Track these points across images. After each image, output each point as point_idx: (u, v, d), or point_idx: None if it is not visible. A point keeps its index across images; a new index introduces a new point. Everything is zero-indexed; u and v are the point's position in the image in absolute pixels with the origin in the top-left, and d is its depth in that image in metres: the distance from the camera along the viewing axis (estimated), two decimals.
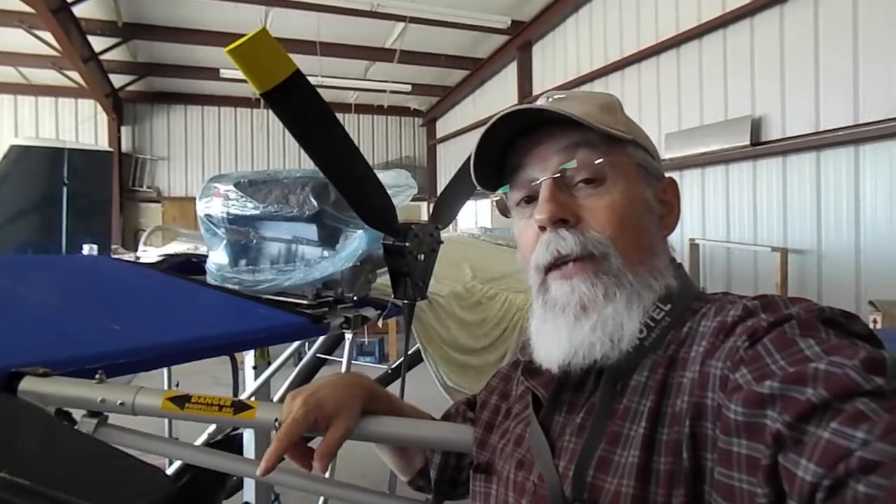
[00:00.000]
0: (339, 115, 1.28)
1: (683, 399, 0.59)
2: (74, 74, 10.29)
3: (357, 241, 1.66)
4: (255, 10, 9.03)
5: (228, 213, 1.79)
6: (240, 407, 0.84)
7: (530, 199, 0.73)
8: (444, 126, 14.82)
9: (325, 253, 1.72)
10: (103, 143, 12.02)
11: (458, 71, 12.64)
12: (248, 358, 2.37)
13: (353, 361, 1.92)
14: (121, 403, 0.86)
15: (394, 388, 1.39)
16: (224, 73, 10.73)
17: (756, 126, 6.51)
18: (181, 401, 0.85)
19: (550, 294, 0.70)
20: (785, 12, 6.25)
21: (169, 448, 0.98)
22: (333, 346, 2.82)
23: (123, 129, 12.95)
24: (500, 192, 0.78)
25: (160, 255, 2.70)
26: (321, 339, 2.44)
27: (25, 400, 0.86)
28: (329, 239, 1.72)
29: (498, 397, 0.87)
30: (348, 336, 1.81)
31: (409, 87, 12.53)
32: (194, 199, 1.99)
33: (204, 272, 1.90)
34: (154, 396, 0.86)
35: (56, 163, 5.96)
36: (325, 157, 1.31)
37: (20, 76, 11.75)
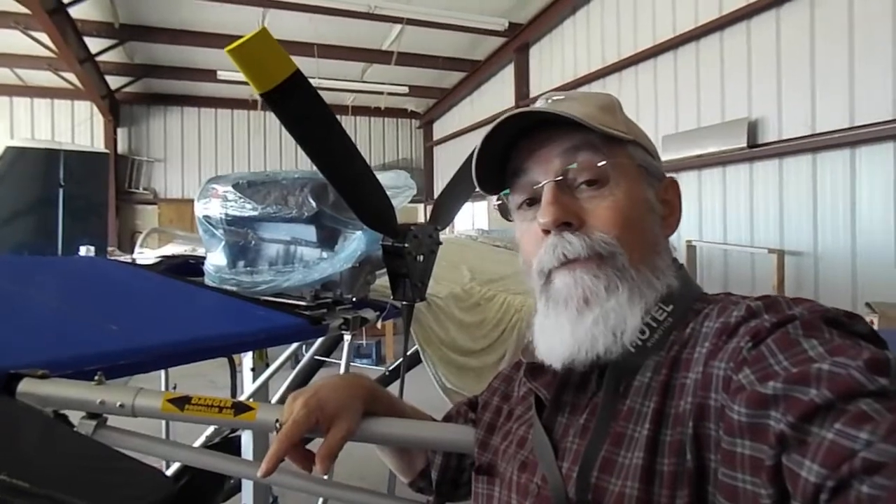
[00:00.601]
0: (336, 118, 1.27)
1: (687, 400, 0.59)
2: (70, 76, 10.25)
3: (356, 242, 1.66)
4: (252, 12, 9.01)
5: (227, 215, 1.79)
6: (240, 408, 0.84)
7: (532, 201, 0.73)
8: (441, 128, 14.83)
9: (324, 254, 1.72)
10: (99, 145, 11.98)
11: (455, 73, 12.64)
12: (247, 360, 2.37)
13: (351, 363, 1.92)
14: (120, 405, 0.85)
15: (392, 390, 1.39)
16: (221, 74, 10.70)
17: (753, 128, 6.53)
18: (181, 402, 0.85)
19: (553, 288, 0.70)
20: (781, 15, 6.28)
21: (169, 450, 0.97)
22: (331, 347, 2.82)
23: (120, 131, 12.89)
24: (501, 195, 0.78)
25: (158, 257, 2.69)
26: (319, 340, 2.44)
27: (24, 402, 0.86)
28: (328, 240, 1.72)
29: (499, 399, 0.87)
30: (347, 337, 1.81)
31: (406, 89, 12.52)
32: (191, 201, 1.98)
33: (202, 274, 1.90)
34: (154, 398, 0.86)
35: (52, 164, 5.94)
36: (324, 157, 1.31)
37: (16, 77, 11.70)
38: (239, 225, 1.81)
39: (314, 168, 1.37)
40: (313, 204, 1.63)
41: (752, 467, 0.50)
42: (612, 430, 0.63)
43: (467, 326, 2.40)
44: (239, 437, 2.27)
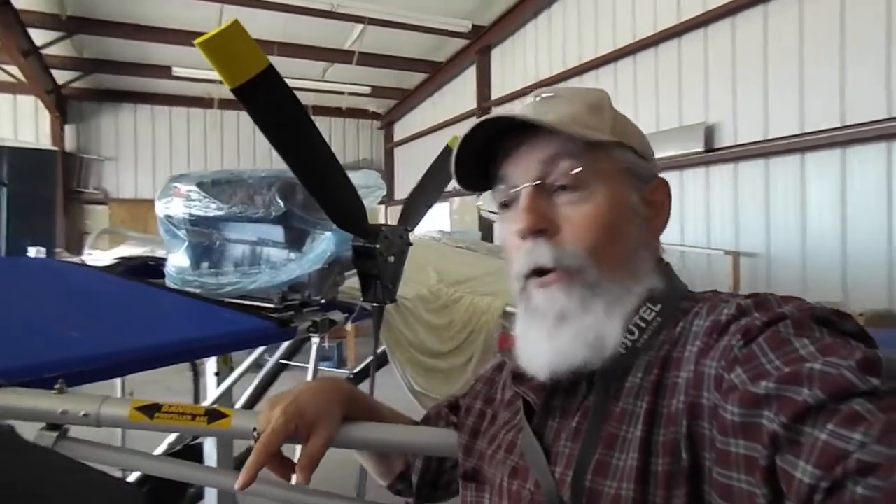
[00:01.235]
0: (309, 115, 1.24)
1: (679, 399, 0.59)
2: (13, 69, 9.77)
3: (325, 242, 1.62)
4: (210, 8, 8.78)
5: (190, 214, 1.72)
6: (214, 416, 0.81)
7: (512, 203, 0.72)
8: (402, 129, 14.77)
9: (292, 255, 1.67)
10: (45, 142, 11.48)
11: (417, 74, 12.61)
12: (210, 364, 2.29)
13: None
14: (84, 415, 0.81)
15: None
16: (177, 71, 10.40)
17: (710, 133, 6.72)
18: (150, 410, 0.81)
19: (532, 301, 0.70)
20: (737, 23, 6.49)
21: (134, 460, 0.92)
22: (294, 350, 2.76)
23: (68, 128, 12.32)
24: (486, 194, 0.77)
25: (115, 258, 2.59)
26: (286, 343, 2.38)
27: None
28: (296, 241, 1.68)
29: (482, 402, 0.86)
30: (315, 340, 1.77)
31: (368, 90, 12.44)
32: (145, 201, 1.91)
33: (163, 275, 1.83)
34: (120, 406, 0.82)
35: None
36: (296, 155, 1.27)
37: None
38: (203, 225, 1.75)
39: (279, 166, 1.34)
40: (281, 203, 1.59)
41: (746, 467, 0.50)
42: (605, 433, 0.63)
43: (435, 328, 2.39)
44: (201, 445, 2.20)
